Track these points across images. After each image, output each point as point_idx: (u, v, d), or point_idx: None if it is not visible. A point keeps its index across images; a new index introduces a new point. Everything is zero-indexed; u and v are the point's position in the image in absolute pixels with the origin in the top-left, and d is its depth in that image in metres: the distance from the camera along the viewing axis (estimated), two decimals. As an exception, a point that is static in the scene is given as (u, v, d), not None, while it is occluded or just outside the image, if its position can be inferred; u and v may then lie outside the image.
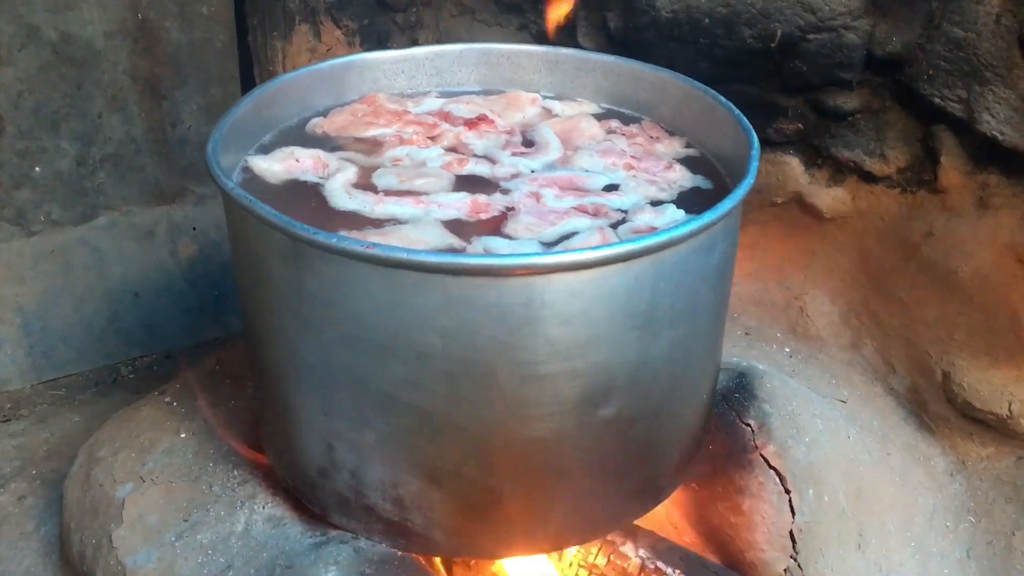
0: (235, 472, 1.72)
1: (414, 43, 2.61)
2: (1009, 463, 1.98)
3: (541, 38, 2.40)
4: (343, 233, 1.36)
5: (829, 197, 2.08)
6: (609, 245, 1.25)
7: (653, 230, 1.42)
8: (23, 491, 2.20)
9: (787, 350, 2.20)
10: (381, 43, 2.64)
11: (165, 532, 1.64)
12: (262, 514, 1.63)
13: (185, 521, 1.65)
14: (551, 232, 1.45)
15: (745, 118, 1.56)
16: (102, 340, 2.70)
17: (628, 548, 1.72)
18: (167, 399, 1.97)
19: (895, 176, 1.98)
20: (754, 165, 1.42)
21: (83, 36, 2.44)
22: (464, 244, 1.40)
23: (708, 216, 1.28)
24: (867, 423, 2.03)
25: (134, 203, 2.71)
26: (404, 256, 1.18)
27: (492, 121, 1.79)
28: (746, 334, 2.25)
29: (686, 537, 1.85)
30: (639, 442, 1.44)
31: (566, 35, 2.31)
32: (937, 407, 2.02)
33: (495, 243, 1.41)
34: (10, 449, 2.36)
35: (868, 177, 2.02)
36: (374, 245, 1.19)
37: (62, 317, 2.64)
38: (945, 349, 1.96)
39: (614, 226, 1.47)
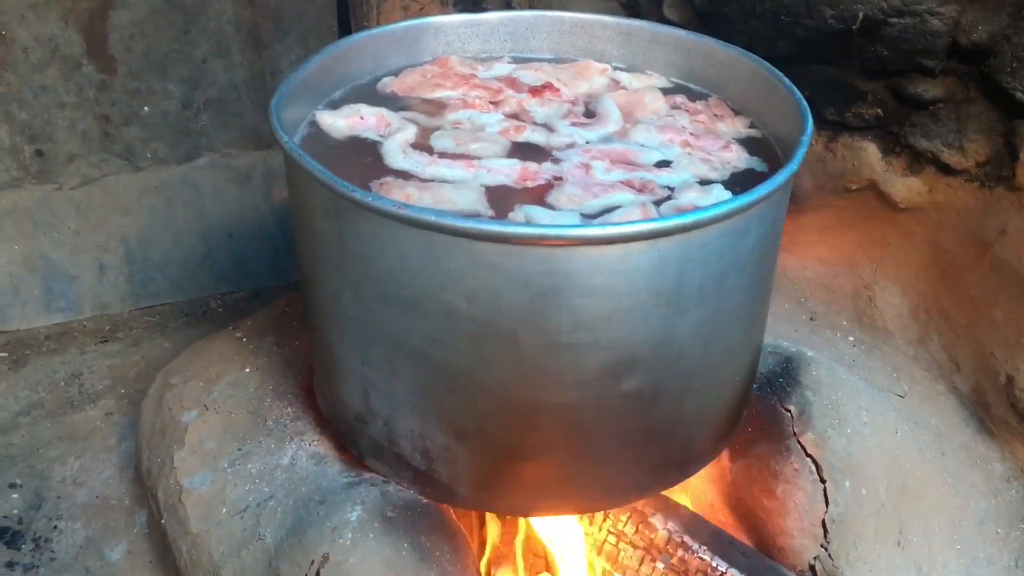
0: (289, 409, 1.82)
1: (507, 6, 2.63)
2: (1069, 475, 1.90)
3: (631, 8, 2.38)
4: (373, 187, 1.42)
5: (904, 187, 2.01)
6: (631, 223, 1.26)
7: (695, 209, 1.42)
8: (111, 408, 2.38)
9: (851, 339, 2.15)
10: (476, 6, 2.67)
11: (220, 458, 1.76)
12: (307, 451, 1.72)
13: (239, 450, 1.76)
14: (594, 204, 1.46)
15: (804, 101, 1.53)
16: (196, 274, 2.86)
17: (657, 520, 1.74)
18: (239, 334, 2.09)
19: (973, 170, 1.90)
20: (802, 151, 1.40)
21: (192, -16, 2.56)
22: (491, 212, 1.43)
23: (740, 200, 1.28)
24: (924, 420, 1.98)
25: (234, 147, 2.84)
26: (431, 218, 1.22)
27: (557, 90, 1.80)
28: (811, 319, 2.21)
29: (721, 516, 1.86)
30: (664, 417, 1.46)
31: (654, 7, 2.29)
32: (1000, 410, 1.95)
33: (536, 212, 1.43)
34: (104, 368, 2.55)
35: (946, 169, 1.94)
36: (404, 206, 1.24)
37: (161, 249, 2.81)
38: (1012, 352, 1.89)
39: (658, 203, 1.47)
